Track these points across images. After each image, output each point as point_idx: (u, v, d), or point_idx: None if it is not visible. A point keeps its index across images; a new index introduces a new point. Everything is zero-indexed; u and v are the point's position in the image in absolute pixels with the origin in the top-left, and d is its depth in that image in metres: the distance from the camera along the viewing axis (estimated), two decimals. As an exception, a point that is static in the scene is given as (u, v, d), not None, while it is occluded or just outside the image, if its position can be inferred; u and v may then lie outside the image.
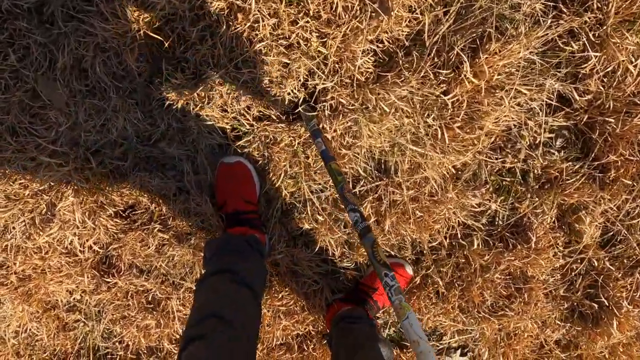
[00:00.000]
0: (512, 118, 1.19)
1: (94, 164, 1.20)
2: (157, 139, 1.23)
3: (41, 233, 1.28)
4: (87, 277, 1.36)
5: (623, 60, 1.10)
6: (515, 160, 1.27)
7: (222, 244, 1.12)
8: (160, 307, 1.39)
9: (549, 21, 1.09)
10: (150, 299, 1.39)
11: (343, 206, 1.15)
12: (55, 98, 1.10)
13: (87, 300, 1.43)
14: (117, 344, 1.49)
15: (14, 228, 1.29)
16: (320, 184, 1.28)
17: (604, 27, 1.08)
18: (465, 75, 1.08)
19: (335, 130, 1.17)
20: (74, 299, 1.44)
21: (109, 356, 1.52)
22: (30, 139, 1.16)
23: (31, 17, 1.06)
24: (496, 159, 1.27)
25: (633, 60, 1.10)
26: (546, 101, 1.17)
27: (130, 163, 1.25)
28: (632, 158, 1.19)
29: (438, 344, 1.47)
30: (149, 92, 1.17)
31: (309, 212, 1.30)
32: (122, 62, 1.11)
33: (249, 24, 1.05)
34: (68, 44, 1.06)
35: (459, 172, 1.29)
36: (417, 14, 1.09)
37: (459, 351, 1.48)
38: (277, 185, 1.28)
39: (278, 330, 1.42)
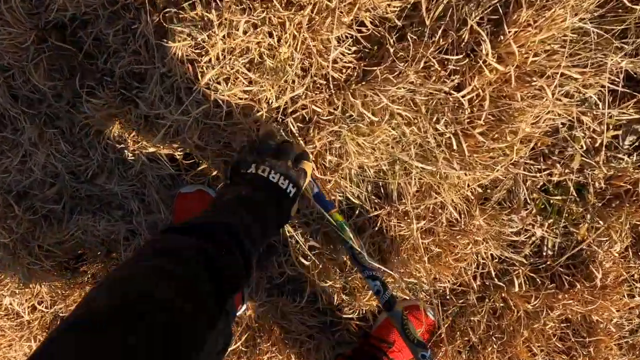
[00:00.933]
0: (559, 115, 0.84)
1: (18, 210, 0.97)
2: (94, 174, 0.98)
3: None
4: (37, 342, 1.13)
5: None
6: (567, 171, 0.91)
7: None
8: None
9: None
10: None
11: (356, 271, 0.90)
12: None
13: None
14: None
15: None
16: (303, 214, 0.99)
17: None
18: (485, 61, 0.75)
19: (313, 148, 0.87)
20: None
21: None
22: None
23: None
24: (539, 171, 0.92)
25: None
26: (609, 86, 0.82)
27: (67, 205, 1.01)
28: None
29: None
30: (73, 117, 0.92)
31: (292, 254, 1.01)
32: (29, 81, 0.86)
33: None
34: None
35: (488, 192, 0.95)
36: (409, -21, 0.77)
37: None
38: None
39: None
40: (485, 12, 0.76)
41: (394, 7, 0.79)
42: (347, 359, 1.07)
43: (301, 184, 0.71)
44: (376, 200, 0.96)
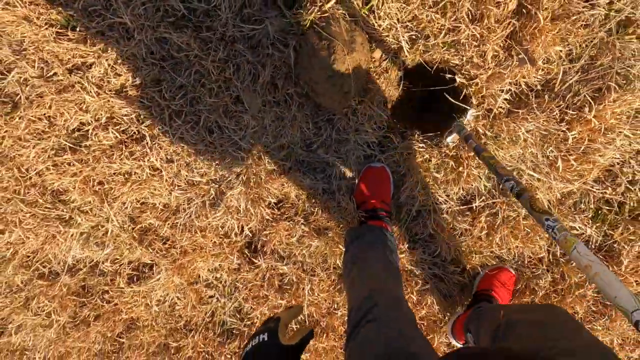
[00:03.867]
0: (617, 157, 1.42)
1: (266, 161, 1.47)
2: (317, 146, 1.50)
3: (209, 215, 1.53)
4: (235, 257, 1.60)
5: None
6: (614, 193, 1.49)
7: (363, 231, 1.36)
8: (292, 290, 1.62)
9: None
10: (285, 282, 1.62)
11: (498, 180, 1.33)
12: (252, 105, 1.38)
13: (224, 279, 1.67)
14: (242, 320, 1.71)
15: (184, 209, 1.55)
16: (445, 197, 1.52)
17: None
18: (587, 117, 1.33)
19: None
20: (213, 276, 1.67)
21: (233, 331, 1.73)
22: (222, 136, 1.44)
23: (245, 42, 1.35)
24: (597, 190, 1.49)
25: None
26: (648, 145, 1.41)
27: (290, 164, 1.51)
28: None
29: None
30: (321, 108, 1.44)
31: (433, 219, 1.53)
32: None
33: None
34: (270, 64, 1.35)
35: (563, 199, 1.51)
36: (550, 65, 1.35)
37: None
38: (408, 194, 1.53)
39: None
40: (590, 90, 1.34)
41: (538, 78, 1.37)
42: (464, 312, 1.55)
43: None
44: (494, 193, 1.50)
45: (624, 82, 1.36)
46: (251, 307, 1.66)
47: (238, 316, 1.71)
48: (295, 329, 1.05)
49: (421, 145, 1.46)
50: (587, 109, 1.34)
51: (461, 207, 1.52)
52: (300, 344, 0.74)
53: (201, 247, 1.58)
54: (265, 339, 0.72)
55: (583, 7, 1.29)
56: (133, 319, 1.73)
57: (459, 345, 1.58)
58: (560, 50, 1.33)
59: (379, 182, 1.47)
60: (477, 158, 1.34)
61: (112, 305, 1.70)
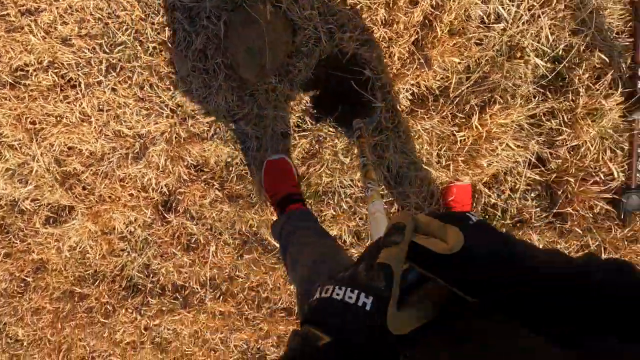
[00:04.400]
0: (501, 165, 1.60)
1: (189, 123, 1.60)
2: (239, 118, 1.64)
3: (130, 166, 1.64)
4: (150, 211, 1.69)
5: (585, 141, 1.53)
6: (499, 199, 1.66)
7: (292, 216, 1.48)
8: (198, 251, 1.71)
9: (538, 100, 1.54)
10: (192, 241, 1.72)
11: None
12: (182, 69, 1.53)
13: (138, 234, 1.75)
14: (149, 277, 1.78)
15: (108, 159, 1.66)
16: (348, 182, 1.66)
17: (575, 114, 1.52)
18: (474, 123, 1.51)
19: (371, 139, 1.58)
20: (128, 230, 1.76)
21: (139, 286, 1.80)
22: (152, 94, 1.57)
23: (184, 12, 1.51)
24: (485, 193, 1.66)
25: (592, 142, 1.53)
26: (528, 158, 1.59)
27: (213, 131, 1.65)
28: (584, 214, 1.58)
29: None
30: (245, 82, 1.59)
31: (336, 201, 1.67)
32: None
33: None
34: (203, 35, 1.51)
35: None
36: (447, 73, 1.55)
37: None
38: (315, 175, 1.67)
39: (285, 294, 1.73)
40: (479, 100, 1.53)
41: (437, 84, 1.56)
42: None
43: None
44: (393, 185, 1.65)
45: (511, 99, 1.55)
46: (158, 264, 1.74)
47: (145, 272, 1.79)
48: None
49: (331, 130, 1.62)
50: (475, 117, 1.52)
51: (361, 195, 1.67)
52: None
53: (119, 198, 1.68)
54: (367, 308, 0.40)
55: (479, 28, 1.50)
56: (43, 261, 1.79)
57: None
58: (458, 62, 1.52)
59: (284, 172, 1.61)
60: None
61: (24, 245, 1.76)
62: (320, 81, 1.59)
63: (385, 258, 0.41)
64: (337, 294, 0.40)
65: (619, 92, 1.49)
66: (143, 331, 1.86)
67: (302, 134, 1.64)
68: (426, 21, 1.50)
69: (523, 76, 1.54)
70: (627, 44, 1.50)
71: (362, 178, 1.19)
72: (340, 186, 1.66)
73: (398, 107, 1.57)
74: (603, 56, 1.49)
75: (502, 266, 0.40)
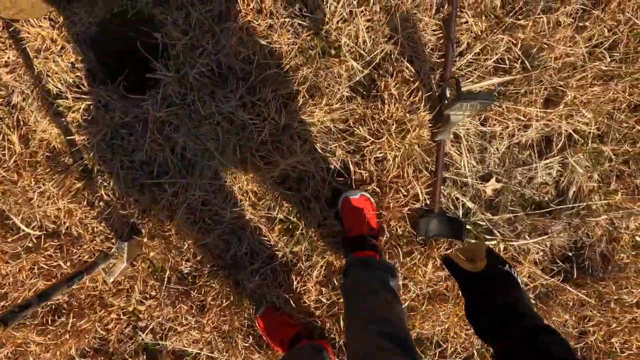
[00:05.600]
0: (308, 168, 1.45)
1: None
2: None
3: None
4: None
5: (390, 153, 1.43)
6: (306, 192, 1.49)
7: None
8: None
9: (350, 105, 1.43)
10: None
11: None
12: None
13: None
14: None
15: None
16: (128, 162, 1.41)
17: (386, 124, 1.43)
18: (271, 113, 1.36)
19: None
20: None
21: None
22: None
23: None
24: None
25: (396, 154, 1.44)
26: (333, 165, 1.46)
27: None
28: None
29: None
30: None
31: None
32: None
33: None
34: None
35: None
36: (251, 54, 1.39)
37: None
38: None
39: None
40: (282, 92, 1.39)
41: (241, 65, 1.39)
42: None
43: None
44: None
45: (320, 98, 1.43)
46: None
47: None
48: None
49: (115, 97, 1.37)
50: (273, 105, 1.37)
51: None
52: None
53: None
54: None
55: (293, 15, 1.37)
56: None
57: None
58: (262, 45, 1.38)
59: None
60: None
61: None
62: (107, 35, 1.36)
63: None
64: None
65: (426, 107, 1.43)
66: None
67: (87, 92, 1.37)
68: None
69: (337, 77, 1.44)
70: (439, 61, 1.45)
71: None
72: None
73: (193, 84, 1.37)
74: (413, 69, 1.43)
75: None
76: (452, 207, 1.54)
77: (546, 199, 1.63)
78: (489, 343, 0.69)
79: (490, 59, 1.45)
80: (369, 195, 1.46)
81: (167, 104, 1.36)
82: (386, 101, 1.41)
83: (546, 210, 1.60)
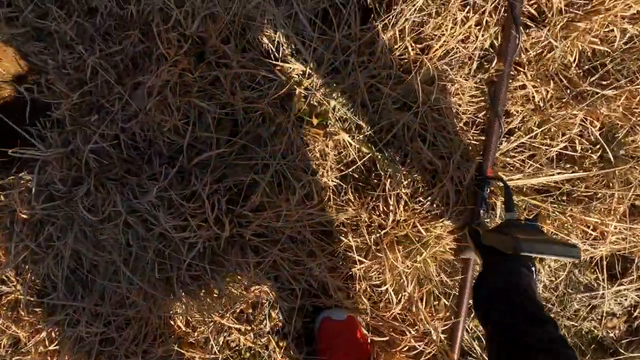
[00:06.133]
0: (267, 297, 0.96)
1: None
2: None
3: None
4: None
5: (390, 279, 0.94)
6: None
7: None
8: None
9: (338, 200, 0.94)
10: None
11: None
12: None
13: None
14: None
15: None
16: None
17: (386, 233, 0.93)
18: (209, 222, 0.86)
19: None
20: None
21: None
22: None
23: None
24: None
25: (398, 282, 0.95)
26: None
27: None
28: None
29: None
30: None
31: None
32: None
33: None
34: None
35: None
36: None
37: None
38: None
39: None
40: (231, 189, 0.89)
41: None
42: None
43: None
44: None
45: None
46: None
47: None
48: None
49: None
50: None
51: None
52: None
53: None
54: None
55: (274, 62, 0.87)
56: None
57: None
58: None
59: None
60: None
61: None
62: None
63: None
64: None
65: (453, 212, 0.93)
66: None
67: None
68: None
69: (321, 157, 0.94)
70: (476, 142, 0.95)
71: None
72: None
73: (91, 165, 0.87)
74: (436, 160, 0.92)
75: None
76: (477, 349, 1.05)
77: (611, 335, 1.14)
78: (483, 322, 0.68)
79: (555, 145, 0.95)
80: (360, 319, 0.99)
81: (45, 195, 0.86)
82: (391, 205, 0.91)
83: (610, 350, 1.12)
